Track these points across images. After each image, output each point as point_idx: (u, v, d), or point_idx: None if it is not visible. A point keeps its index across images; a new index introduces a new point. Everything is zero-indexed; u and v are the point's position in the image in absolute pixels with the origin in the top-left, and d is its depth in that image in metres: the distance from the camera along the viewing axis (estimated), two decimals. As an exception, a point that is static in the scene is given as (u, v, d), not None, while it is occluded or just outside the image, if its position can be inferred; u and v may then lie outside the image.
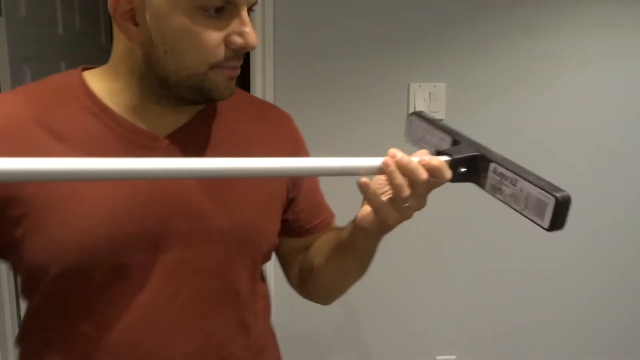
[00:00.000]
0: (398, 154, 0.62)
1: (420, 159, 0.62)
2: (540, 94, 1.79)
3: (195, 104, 0.71)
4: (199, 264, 0.70)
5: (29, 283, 0.69)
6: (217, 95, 0.67)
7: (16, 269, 0.69)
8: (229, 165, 0.55)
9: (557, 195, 0.57)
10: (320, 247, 0.84)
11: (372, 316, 1.90)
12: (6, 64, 1.97)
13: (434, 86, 1.77)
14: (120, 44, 0.68)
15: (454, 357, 1.92)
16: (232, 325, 0.76)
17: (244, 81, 1.73)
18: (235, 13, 0.63)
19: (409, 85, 1.77)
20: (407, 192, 0.62)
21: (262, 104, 0.85)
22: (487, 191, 0.64)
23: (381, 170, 0.62)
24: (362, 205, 0.72)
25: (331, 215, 0.90)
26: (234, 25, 0.64)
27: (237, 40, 0.64)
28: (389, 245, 1.81)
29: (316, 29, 1.74)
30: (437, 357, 1.92)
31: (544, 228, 0.58)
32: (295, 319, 1.87)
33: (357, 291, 1.84)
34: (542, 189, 0.58)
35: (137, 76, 0.67)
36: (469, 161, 0.64)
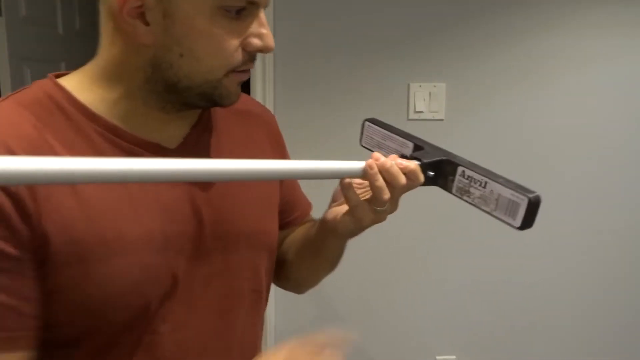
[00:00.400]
0: (381, 157, 0.64)
1: (398, 163, 0.64)
2: (540, 94, 1.79)
3: (198, 109, 0.69)
4: (231, 271, 0.70)
5: (64, 332, 0.61)
6: (227, 102, 0.64)
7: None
8: (228, 167, 0.56)
9: (530, 195, 0.60)
10: (292, 243, 0.85)
11: (372, 316, 1.90)
12: (6, 64, 1.97)
13: (434, 86, 1.77)
14: (118, 45, 0.61)
15: (454, 357, 1.92)
16: (257, 324, 0.77)
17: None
18: (254, 14, 0.61)
19: (409, 85, 1.77)
20: (387, 194, 0.64)
21: (247, 101, 0.83)
22: (454, 194, 0.68)
23: (363, 173, 0.64)
24: (331, 207, 0.73)
25: (309, 206, 0.91)
26: (253, 27, 0.61)
27: (256, 42, 0.61)
28: (388, 245, 1.82)
29: (316, 29, 1.74)
30: (437, 357, 1.92)
31: (514, 227, 0.62)
32: (294, 317, 1.87)
33: (357, 291, 1.85)
34: (514, 190, 0.61)
35: (141, 81, 0.61)
36: (437, 165, 0.67)
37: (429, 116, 1.78)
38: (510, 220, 0.62)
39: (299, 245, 0.82)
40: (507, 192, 0.62)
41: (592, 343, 1.93)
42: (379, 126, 0.76)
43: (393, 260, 1.85)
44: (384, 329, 1.90)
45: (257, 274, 0.74)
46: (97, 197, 0.58)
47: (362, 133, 0.78)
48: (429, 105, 1.78)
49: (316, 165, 0.62)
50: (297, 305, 1.84)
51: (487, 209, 0.64)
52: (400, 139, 0.72)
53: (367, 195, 0.67)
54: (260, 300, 0.76)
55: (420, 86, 1.77)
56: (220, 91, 0.62)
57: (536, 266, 1.88)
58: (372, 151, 0.69)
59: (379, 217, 0.67)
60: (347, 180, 0.66)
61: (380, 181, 0.63)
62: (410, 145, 0.71)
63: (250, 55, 0.62)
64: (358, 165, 0.65)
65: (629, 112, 1.82)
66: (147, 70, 0.61)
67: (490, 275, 1.88)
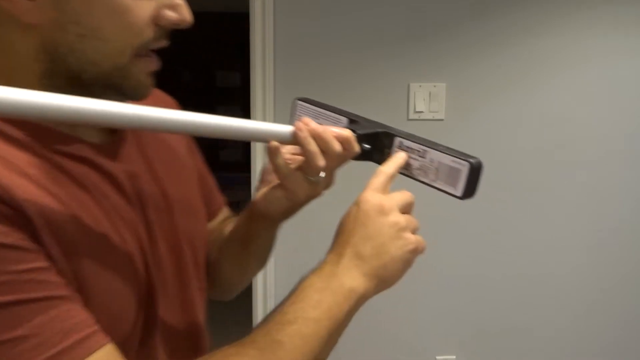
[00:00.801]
0: (311, 122, 0.58)
1: (331, 130, 0.59)
2: (540, 94, 1.79)
3: None
4: (183, 272, 0.65)
5: None
6: (139, 95, 0.55)
7: None
8: (138, 112, 0.48)
9: (471, 160, 0.57)
10: (215, 240, 0.77)
11: (372, 316, 1.90)
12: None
13: (434, 86, 1.77)
14: (2, 29, 0.49)
15: (454, 357, 1.92)
16: (203, 302, 0.71)
17: (244, 77, 1.72)
18: None
19: (409, 85, 1.77)
20: (322, 160, 0.58)
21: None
22: None
23: (293, 137, 0.58)
24: (260, 187, 0.67)
25: (223, 200, 0.83)
26: None
27: (170, 14, 0.52)
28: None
29: (316, 28, 1.74)
30: (437, 357, 1.92)
31: (456, 196, 0.58)
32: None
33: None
34: (455, 157, 0.58)
35: (37, 75, 0.50)
36: (373, 137, 0.63)
37: (429, 116, 1.78)
38: (451, 190, 0.58)
39: (223, 242, 0.74)
40: (447, 159, 0.58)
41: (593, 342, 1.93)
42: (311, 104, 0.69)
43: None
44: (384, 328, 1.90)
45: (199, 267, 0.68)
46: (83, 207, 0.52)
47: (292, 114, 0.71)
48: (429, 105, 1.78)
49: (238, 123, 0.54)
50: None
51: (427, 180, 0.60)
52: (333, 114, 0.67)
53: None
54: (202, 273, 0.70)
55: (420, 86, 1.77)
56: (131, 82, 0.54)
57: (536, 266, 1.88)
58: None
59: (314, 191, 0.61)
60: (275, 143, 0.58)
61: (313, 144, 0.57)
62: (344, 120, 0.66)
63: (162, 31, 0.53)
64: (287, 127, 0.58)
65: (629, 111, 1.82)
66: (43, 60, 0.50)
67: (490, 275, 1.88)
